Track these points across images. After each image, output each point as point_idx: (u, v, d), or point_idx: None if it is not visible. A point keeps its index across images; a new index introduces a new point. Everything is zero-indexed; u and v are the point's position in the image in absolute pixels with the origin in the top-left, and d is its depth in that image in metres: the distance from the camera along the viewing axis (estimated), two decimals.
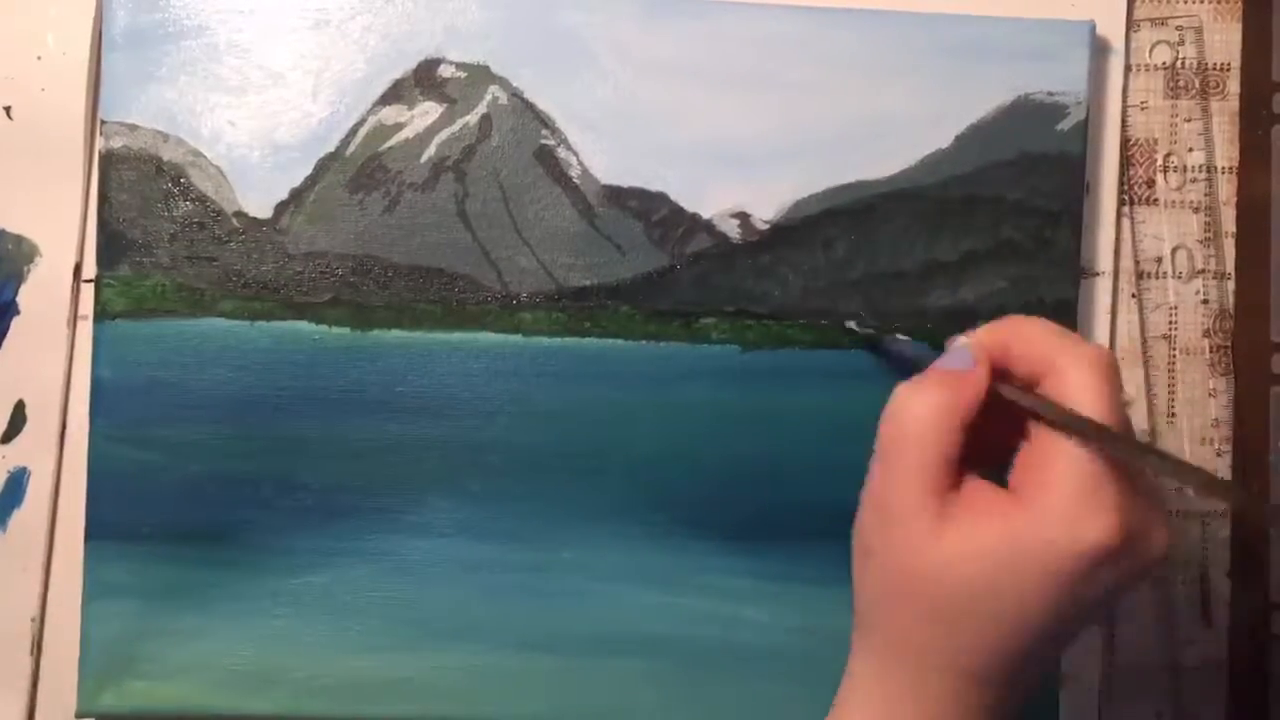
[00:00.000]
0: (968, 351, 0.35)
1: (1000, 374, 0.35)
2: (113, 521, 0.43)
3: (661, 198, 0.44)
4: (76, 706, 0.43)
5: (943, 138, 0.45)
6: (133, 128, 0.43)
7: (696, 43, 0.44)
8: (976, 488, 0.34)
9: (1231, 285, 0.47)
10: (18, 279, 0.44)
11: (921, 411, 0.34)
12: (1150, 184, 0.47)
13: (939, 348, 0.44)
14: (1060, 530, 0.32)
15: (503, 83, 0.44)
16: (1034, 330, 0.35)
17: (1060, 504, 0.32)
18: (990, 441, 0.35)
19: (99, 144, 0.43)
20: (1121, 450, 0.32)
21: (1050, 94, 0.45)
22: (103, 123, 0.43)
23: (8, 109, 0.44)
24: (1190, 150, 0.47)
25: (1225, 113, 0.47)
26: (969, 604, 0.33)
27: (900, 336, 0.42)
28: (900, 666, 0.35)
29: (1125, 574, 0.33)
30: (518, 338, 0.44)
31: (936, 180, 0.44)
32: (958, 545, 0.33)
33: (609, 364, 0.44)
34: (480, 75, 0.44)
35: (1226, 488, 0.31)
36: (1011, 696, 0.35)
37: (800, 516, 0.44)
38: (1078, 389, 0.33)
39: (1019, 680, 0.35)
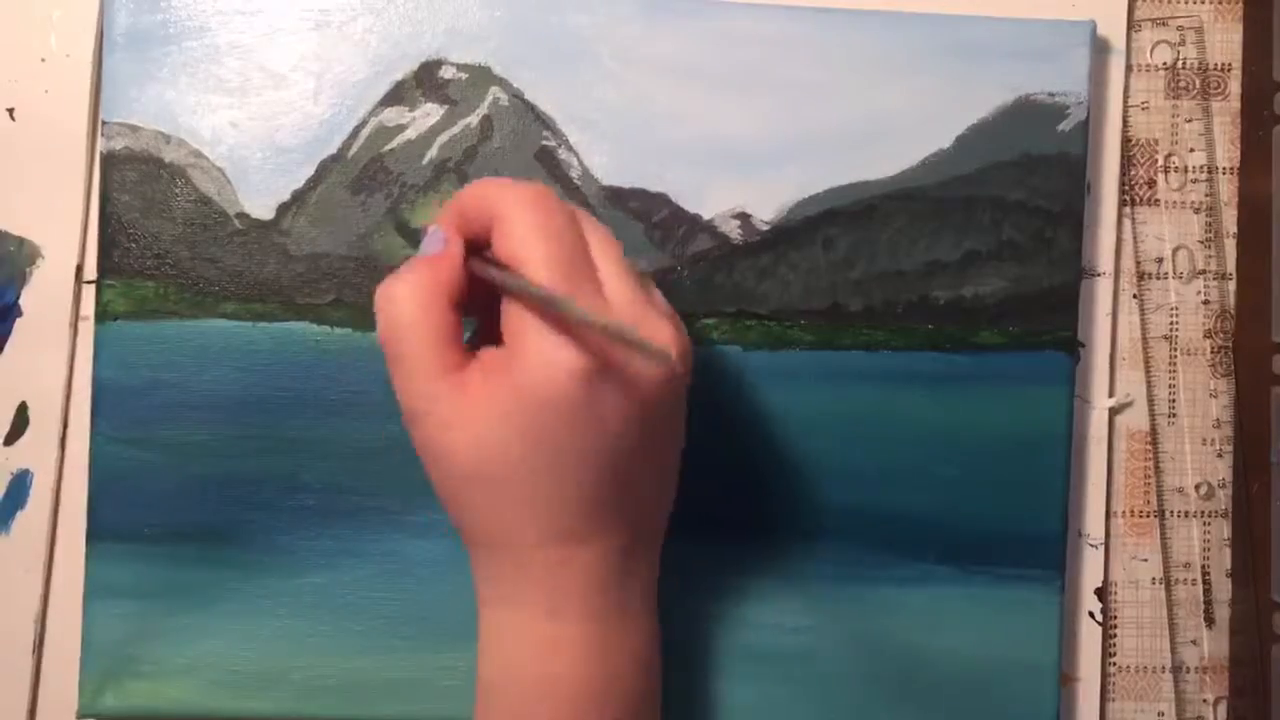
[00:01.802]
0: (439, 233, 0.36)
1: (479, 244, 0.36)
2: (114, 522, 0.43)
3: (662, 198, 0.44)
4: (78, 707, 0.43)
5: (943, 138, 0.45)
6: (134, 129, 0.43)
7: (697, 43, 0.44)
8: (486, 357, 0.35)
9: (1232, 286, 0.47)
10: (20, 281, 0.44)
11: (406, 300, 0.35)
12: (1151, 184, 0.47)
13: (939, 348, 0.44)
14: (536, 365, 0.33)
15: (504, 84, 0.44)
16: (478, 189, 0.36)
17: (532, 342, 0.33)
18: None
19: (100, 145, 0.43)
20: (551, 305, 0.33)
21: (1051, 94, 0.45)
22: (104, 124, 0.43)
23: (11, 111, 0.44)
24: (1191, 150, 0.47)
25: (1226, 113, 0.47)
26: (511, 468, 0.34)
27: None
28: (497, 555, 0.36)
29: (629, 393, 0.34)
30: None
31: (937, 180, 0.45)
32: (475, 420, 0.34)
33: None
34: (481, 76, 0.44)
35: (638, 341, 0.32)
36: (618, 551, 0.36)
37: (801, 516, 0.44)
38: (513, 229, 0.34)
39: (613, 532, 0.35)
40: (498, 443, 0.34)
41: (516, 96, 0.44)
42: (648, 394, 0.34)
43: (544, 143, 0.44)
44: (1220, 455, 0.47)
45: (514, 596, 0.36)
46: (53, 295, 0.44)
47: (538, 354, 0.33)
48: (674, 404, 0.37)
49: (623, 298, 0.34)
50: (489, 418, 0.34)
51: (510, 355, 0.34)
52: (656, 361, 0.33)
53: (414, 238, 0.43)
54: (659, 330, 0.34)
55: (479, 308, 0.36)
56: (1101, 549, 0.46)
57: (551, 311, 0.33)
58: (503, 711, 0.36)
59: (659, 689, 0.38)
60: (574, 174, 0.44)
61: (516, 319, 0.34)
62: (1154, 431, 0.47)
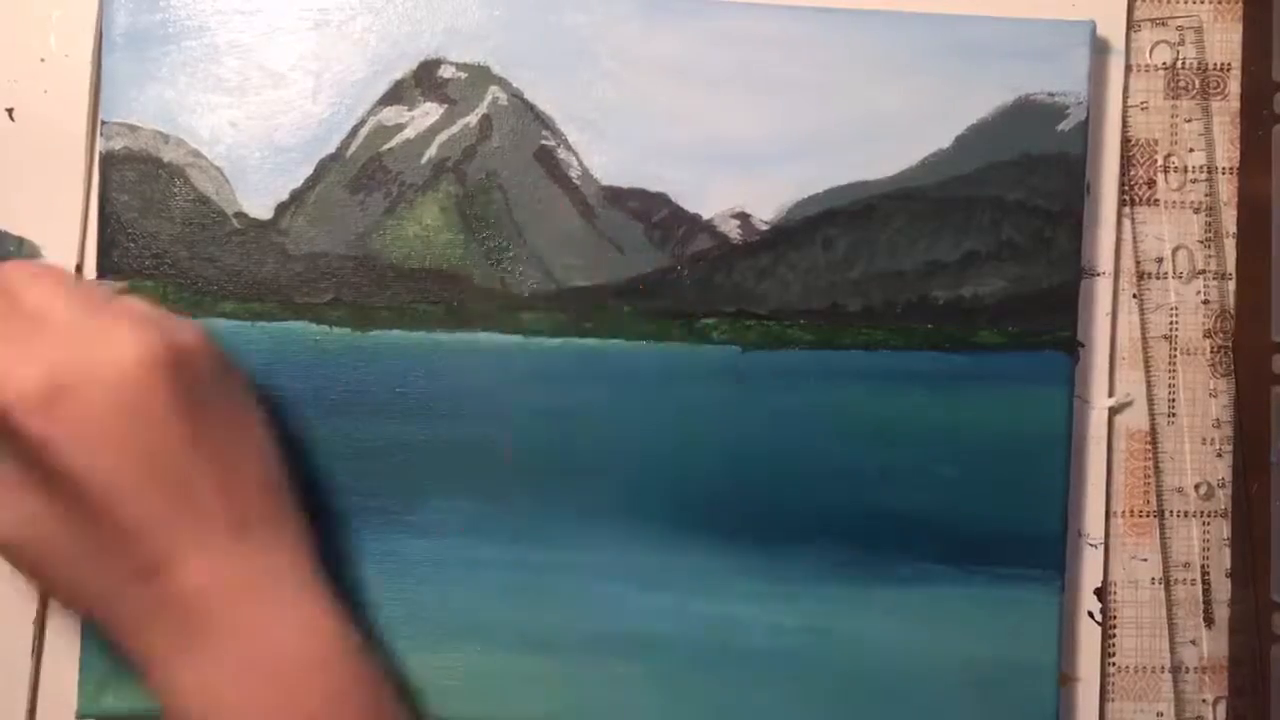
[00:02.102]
0: None
1: None
2: None
3: (662, 198, 0.44)
4: (77, 707, 0.43)
5: (943, 138, 0.45)
6: (133, 128, 0.43)
7: (696, 42, 0.44)
8: None
9: (1232, 286, 0.47)
10: None
11: None
12: (1151, 184, 0.47)
13: (938, 348, 0.44)
14: None
15: (503, 83, 0.44)
16: None
17: None
18: None
19: (99, 145, 0.43)
20: None
21: (1051, 94, 0.45)
22: (103, 123, 0.43)
23: (10, 111, 0.44)
24: (1191, 150, 0.47)
25: (1226, 113, 0.47)
26: (40, 531, 0.33)
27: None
28: (108, 625, 0.34)
29: (104, 401, 0.32)
30: (518, 338, 0.44)
31: (937, 180, 0.45)
32: None
33: (609, 364, 0.44)
34: (480, 76, 0.44)
35: None
36: (226, 548, 0.34)
37: (800, 516, 0.44)
38: None
39: (200, 535, 0.34)
40: (12, 515, 0.33)
41: (516, 96, 0.44)
42: (119, 403, 0.32)
43: (543, 142, 0.44)
44: (1220, 455, 0.47)
45: (153, 651, 0.34)
46: None
47: None
48: (183, 390, 0.34)
49: (65, 317, 0.33)
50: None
51: None
52: None
53: None
54: (117, 334, 0.33)
55: None
56: (1101, 549, 0.46)
57: None
58: None
59: (376, 685, 0.36)
60: (573, 174, 0.44)
61: None
62: (1154, 431, 0.47)
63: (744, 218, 0.44)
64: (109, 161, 0.43)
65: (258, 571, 0.35)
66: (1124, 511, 0.47)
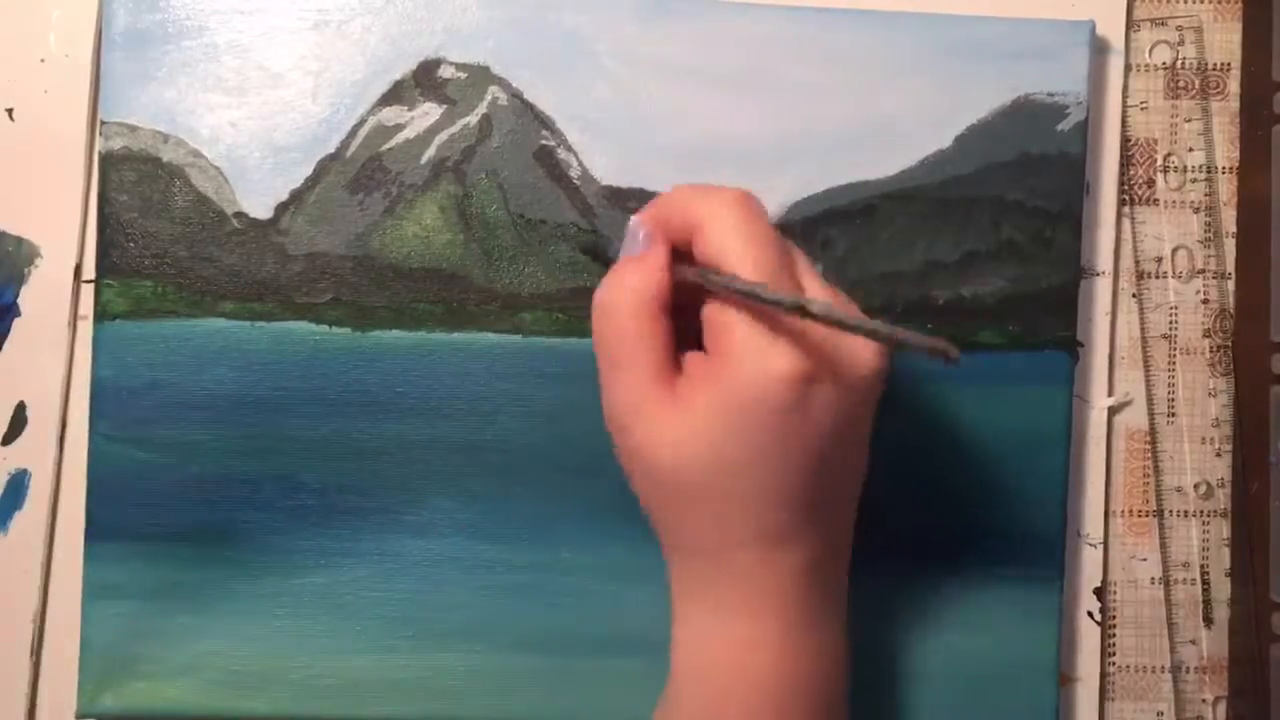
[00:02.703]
0: (640, 230, 0.36)
1: (680, 248, 0.36)
2: (113, 522, 0.43)
3: None
4: (77, 707, 0.43)
5: (943, 138, 0.45)
6: (133, 128, 0.43)
7: (696, 43, 0.44)
8: (692, 363, 0.35)
9: (1231, 285, 0.47)
10: (18, 280, 0.44)
11: (622, 312, 0.35)
12: (1150, 184, 0.47)
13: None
14: (749, 370, 0.33)
15: (503, 83, 0.44)
16: (679, 196, 0.36)
17: (742, 346, 0.34)
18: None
19: (99, 145, 0.43)
20: (764, 300, 0.33)
21: (1050, 94, 0.45)
22: (103, 123, 0.43)
23: (10, 111, 0.44)
24: (1190, 150, 0.47)
25: (1225, 113, 0.47)
26: (718, 475, 0.34)
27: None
28: (698, 559, 0.36)
29: (839, 393, 0.34)
30: (517, 338, 0.44)
31: (936, 180, 0.45)
32: (682, 426, 0.34)
33: None
34: (480, 76, 0.44)
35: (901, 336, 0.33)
36: (818, 552, 0.36)
37: None
38: (719, 234, 0.34)
39: (813, 534, 0.35)
40: (707, 448, 0.34)
41: (515, 96, 0.44)
42: (851, 397, 0.35)
43: (543, 142, 0.44)
44: (1219, 455, 0.47)
45: (713, 596, 0.36)
46: (51, 295, 0.44)
47: (747, 359, 0.33)
48: (869, 408, 0.37)
49: (827, 303, 0.34)
50: (700, 425, 0.34)
51: (718, 362, 0.34)
52: (930, 353, 0.32)
53: (599, 253, 0.42)
54: (863, 345, 0.35)
55: (674, 313, 0.36)
56: (1100, 548, 0.46)
57: (762, 310, 0.33)
58: (695, 705, 0.36)
59: (845, 692, 0.38)
60: (573, 173, 0.44)
61: (721, 325, 0.34)
62: (1153, 431, 0.47)
63: None
64: (108, 161, 0.43)
65: (827, 576, 0.37)
66: (1123, 511, 0.47)
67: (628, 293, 0.35)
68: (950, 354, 0.31)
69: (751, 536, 0.35)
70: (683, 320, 0.36)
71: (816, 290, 0.35)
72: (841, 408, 0.34)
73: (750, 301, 0.34)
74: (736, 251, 0.34)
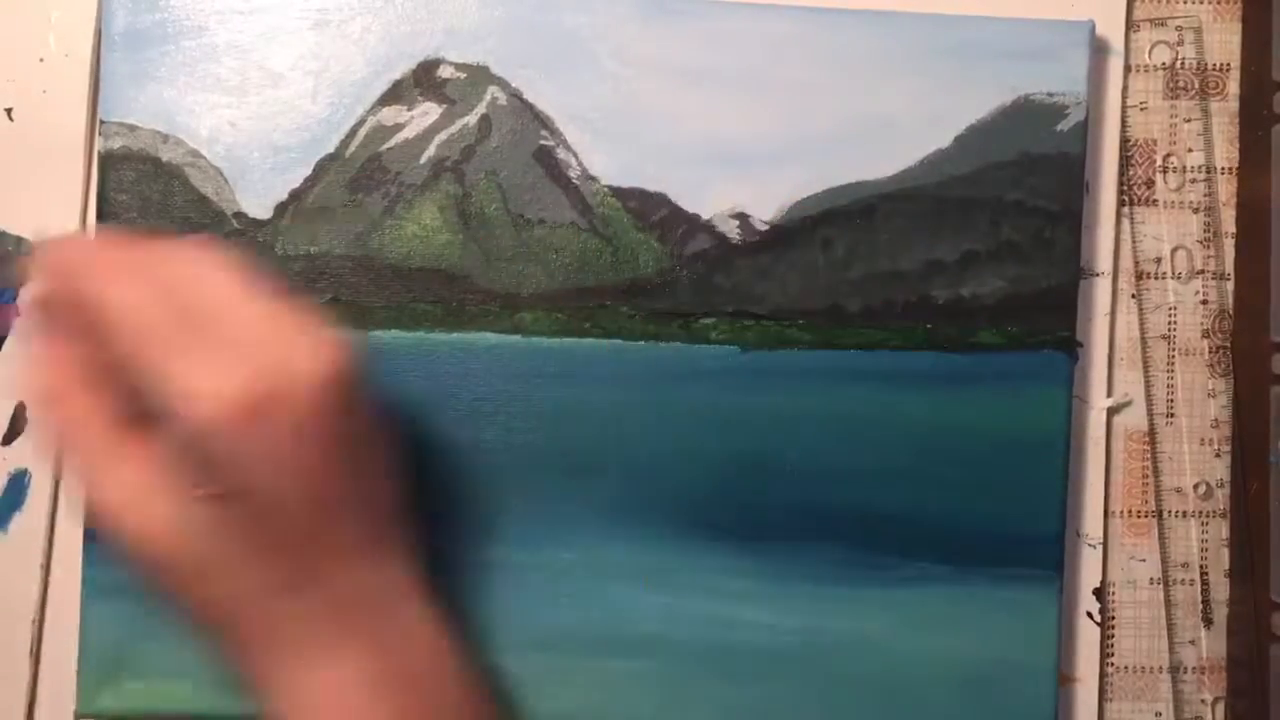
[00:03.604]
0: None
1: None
2: None
3: (661, 198, 0.44)
4: (76, 707, 0.43)
5: (942, 138, 0.45)
6: (132, 128, 0.43)
7: (696, 43, 0.44)
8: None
9: (1231, 286, 0.47)
10: (18, 280, 0.44)
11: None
12: (1150, 184, 0.47)
13: (938, 348, 0.44)
14: (182, 420, 0.31)
15: (502, 83, 0.44)
16: (59, 260, 0.34)
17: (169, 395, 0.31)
18: None
19: (98, 144, 0.43)
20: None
21: (1050, 94, 0.45)
22: (102, 123, 0.43)
23: (9, 111, 0.44)
24: (1190, 150, 0.47)
25: (1225, 113, 0.47)
26: (194, 543, 0.33)
27: None
28: (232, 627, 0.34)
29: (298, 412, 0.32)
30: (517, 338, 0.44)
31: (936, 180, 0.45)
32: (141, 511, 0.33)
33: (609, 364, 0.44)
34: (480, 76, 0.44)
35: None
36: (360, 575, 0.34)
37: (800, 516, 0.44)
38: (99, 309, 0.32)
39: (337, 561, 0.34)
40: (173, 540, 0.33)
41: (515, 96, 0.44)
42: (312, 414, 0.32)
43: (542, 142, 0.44)
44: (1219, 455, 0.47)
45: (271, 657, 0.34)
46: None
47: (179, 406, 0.31)
48: (353, 410, 0.34)
49: (256, 326, 0.32)
50: (145, 518, 0.33)
51: (156, 423, 0.32)
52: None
53: None
54: (308, 343, 0.33)
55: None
56: (1100, 549, 0.46)
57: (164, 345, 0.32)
58: None
59: (451, 672, 0.37)
60: (572, 173, 0.44)
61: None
62: (1152, 431, 0.47)
63: (743, 218, 0.44)
64: (108, 161, 0.43)
65: (389, 587, 0.36)
66: (1123, 512, 0.47)
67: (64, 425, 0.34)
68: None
69: (269, 589, 0.33)
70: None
71: (234, 307, 0.33)
72: (312, 425, 0.32)
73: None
74: (112, 322, 0.32)
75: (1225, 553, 0.47)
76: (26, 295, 0.44)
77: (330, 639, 0.34)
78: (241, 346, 0.32)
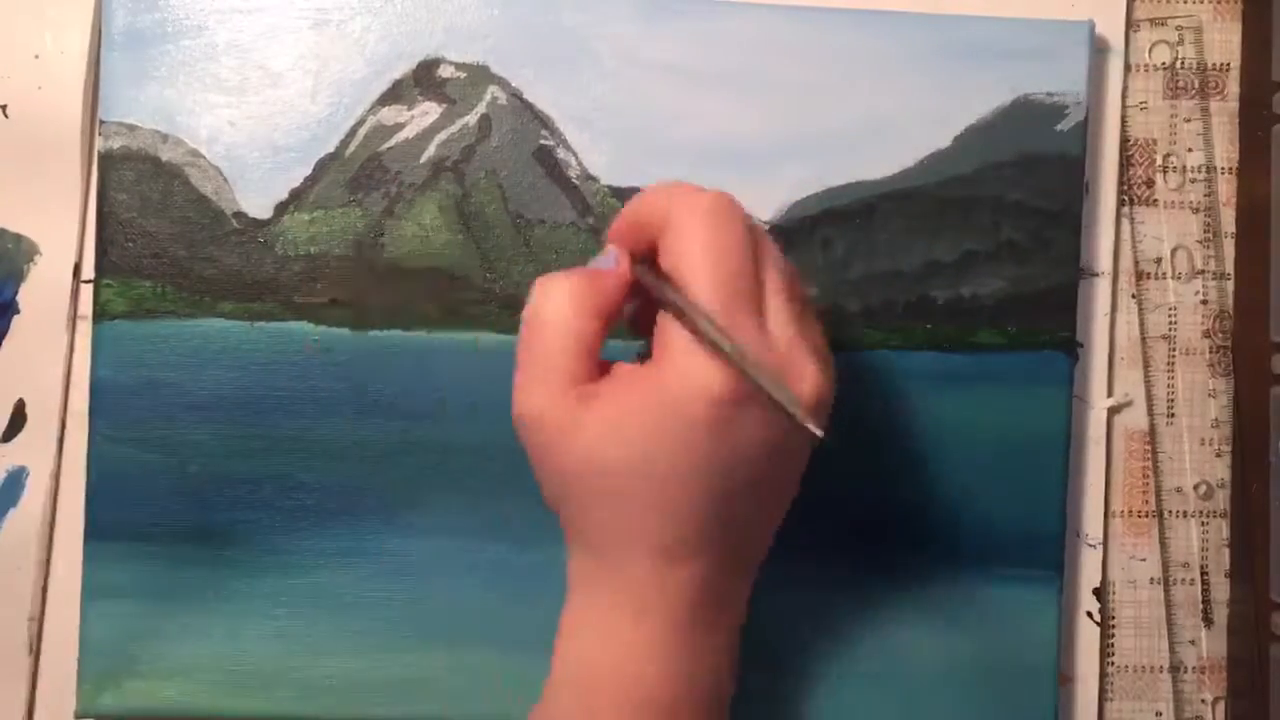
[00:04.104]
0: (613, 253, 0.36)
1: (649, 254, 0.35)
2: (112, 521, 0.43)
3: None
4: (76, 707, 0.43)
5: (942, 138, 0.45)
6: (132, 128, 0.43)
7: (696, 43, 0.44)
8: (621, 370, 0.35)
9: (1231, 285, 0.47)
10: (17, 278, 0.44)
11: (558, 299, 0.35)
12: (1149, 184, 0.47)
13: (938, 348, 0.44)
14: (675, 381, 0.33)
15: (502, 83, 0.44)
16: (655, 196, 0.35)
17: (675, 358, 0.33)
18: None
19: (98, 144, 0.43)
20: (708, 331, 0.32)
21: (1050, 94, 0.45)
22: (102, 123, 0.43)
23: (4, 108, 0.44)
24: (1190, 150, 0.47)
25: (1225, 113, 0.47)
26: (627, 479, 0.34)
27: None
28: (595, 558, 0.36)
29: (769, 422, 0.33)
30: (517, 337, 0.44)
31: (936, 180, 0.45)
32: (599, 426, 0.34)
33: None
34: (479, 75, 0.44)
35: (779, 396, 0.32)
36: (713, 573, 0.35)
37: (799, 516, 0.44)
38: (682, 244, 0.34)
39: (712, 555, 0.35)
40: (618, 449, 0.34)
41: (515, 95, 0.44)
42: (777, 435, 0.34)
43: (542, 142, 0.44)
44: (1219, 455, 0.47)
45: (603, 595, 0.36)
46: (50, 293, 0.44)
47: (684, 373, 0.33)
48: (800, 450, 0.36)
49: (780, 334, 0.34)
50: (617, 425, 0.34)
51: (654, 368, 0.34)
52: (788, 417, 0.33)
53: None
54: (805, 376, 0.34)
55: (649, 326, 0.35)
56: (1100, 549, 0.46)
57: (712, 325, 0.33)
58: (568, 700, 0.36)
59: (725, 705, 0.38)
60: (572, 173, 0.44)
61: (666, 332, 0.34)
62: (1152, 431, 0.47)
63: None
64: (108, 161, 0.43)
65: (725, 591, 0.36)
66: (1123, 511, 0.47)
67: (570, 289, 0.35)
68: (815, 431, 0.32)
69: (647, 548, 0.34)
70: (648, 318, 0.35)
71: (775, 310, 0.34)
72: (769, 437, 0.34)
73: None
74: (695, 267, 0.33)
75: (1225, 553, 0.47)
76: (26, 295, 0.44)
77: (656, 615, 0.35)
78: (769, 344, 0.33)
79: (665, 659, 0.35)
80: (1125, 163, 0.47)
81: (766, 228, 0.44)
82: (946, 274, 0.45)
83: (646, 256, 0.35)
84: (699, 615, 0.35)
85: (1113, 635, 0.46)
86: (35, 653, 0.44)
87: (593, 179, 0.44)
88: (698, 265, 0.33)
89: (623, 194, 0.44)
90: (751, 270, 0.34)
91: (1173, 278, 0.47)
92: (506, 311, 0.44)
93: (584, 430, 0.34)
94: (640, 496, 0.34)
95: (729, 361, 0.32)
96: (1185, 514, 0.47)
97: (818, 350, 0.35)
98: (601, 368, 0.35)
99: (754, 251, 0.34)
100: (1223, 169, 0.47)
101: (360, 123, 0.44)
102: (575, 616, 0.36)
